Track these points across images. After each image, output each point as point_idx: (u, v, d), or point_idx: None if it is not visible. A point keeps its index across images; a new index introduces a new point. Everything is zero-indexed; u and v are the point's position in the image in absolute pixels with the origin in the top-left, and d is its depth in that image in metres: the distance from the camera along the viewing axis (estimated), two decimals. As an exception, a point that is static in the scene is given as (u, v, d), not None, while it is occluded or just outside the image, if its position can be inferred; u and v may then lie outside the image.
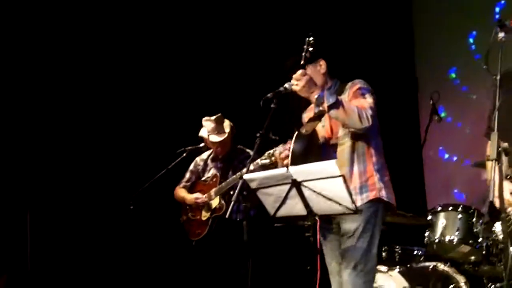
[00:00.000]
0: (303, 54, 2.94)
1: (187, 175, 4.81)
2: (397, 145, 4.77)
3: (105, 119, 5.44)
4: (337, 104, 2.87)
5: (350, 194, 2.62)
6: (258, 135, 2.82)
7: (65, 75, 5.27)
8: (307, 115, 3.26)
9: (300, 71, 2.90)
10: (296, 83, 2.89)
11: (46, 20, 5.18)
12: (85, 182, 5.33)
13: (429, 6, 5.46)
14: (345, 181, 2.59)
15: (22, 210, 4.84)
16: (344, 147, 2.98)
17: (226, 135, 4.53)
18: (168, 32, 5.52)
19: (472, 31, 5.01)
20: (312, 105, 3.23)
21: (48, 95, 5.22)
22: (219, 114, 4.64)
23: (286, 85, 2.98)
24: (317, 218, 2.81)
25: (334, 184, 2.57)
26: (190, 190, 4.76)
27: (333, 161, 2.60)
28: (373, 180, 2.97)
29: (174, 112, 5.57)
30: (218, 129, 4.55)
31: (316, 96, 2.87)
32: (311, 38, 2.96)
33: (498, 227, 3.03)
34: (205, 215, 4.57)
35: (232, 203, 2.73)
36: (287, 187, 2.65)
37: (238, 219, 4.28)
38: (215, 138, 4.54)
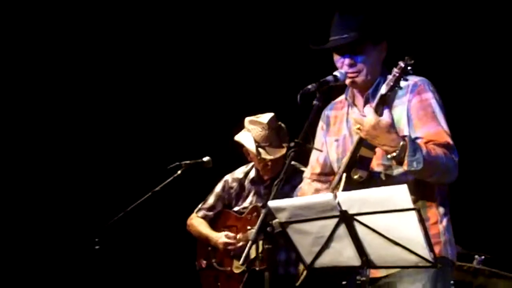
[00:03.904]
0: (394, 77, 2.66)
1: (211, 199, 4.31)
2: (496, 172, 4.56)
3: (69, 122, 5.46)
4: (422, 170, 2.65)
5: (428, 237, 2.42)
6: (292, 144, 2.69)
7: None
8: (334, 114, 3.04)
9: (370, 109, 2.65)
10: (358, 126, 2.68)
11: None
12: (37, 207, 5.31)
13: None
14: (420, 217, 2.39)
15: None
16: (399, 178, 2.80)
17: (284, 150, 4.00)
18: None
19: None
20: (341, 100, 3.02)
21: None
22: (272, 115, 4.10)
23: (337, 73, 2.83)
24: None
25: (404, 221, 2.40)
26: (214, 223, 4.24)
27: (404, 186, 2.37)
28: (437, 229, 2.85)
29: (162, 112, 5.34)
30: (273, 140, 4.04)
31: (390, 157, 2.66)
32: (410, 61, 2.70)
33: None
34: (238, 266, 4.06)
35: (250, 243, 2.57)
36: (333, 222, 2.48)
37: (258, 269, 3.73)
38: (267, 154, 4.03)
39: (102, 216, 4.33)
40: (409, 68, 2.69)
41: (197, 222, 4.31)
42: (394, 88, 2.69)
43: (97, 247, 4.03)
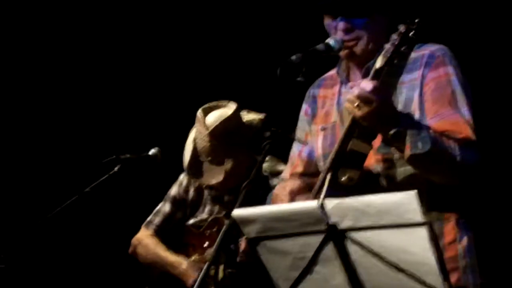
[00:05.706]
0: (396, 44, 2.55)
1: (166, 207, 4.01)
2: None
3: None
4: (429, 154, 2.58)
5: (442, 261, 2.38)
6: (268, 134, 2.63)
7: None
8: (323, 94, 2.96)
9: (369, 84, 2.54)
10: (357, 104, 2.57)
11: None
12: None
13: None
14: (433, 234, 2.33)
15: None
16: (404, 180, 2.78)
17: (229, 167, 3.71)
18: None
19: None
20: (332, 75, 2.92)
21: None
22: (229, 114, 3.77)
23: (330, 40, 2.71)
24: None
25: (411, 240, 2.36)
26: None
27: (412, 193, 2.28)
28: (455, 250, 2.84)
29: (94, 89, 5.33)
30: (217, 153, 3.74)
31: (392, 132, 2.60)
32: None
33: None
34: None
35: (206, 265, 2.50)
36: (318, 240, 2.43)
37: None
38: (207, 177, 3.77)
39: (10, 225, 4.29)
40: (411, 33, 2.53)
41: (153, 242, 3.93)
42: (393, 61, 2.55)
43: (1, 266, 3.74)
